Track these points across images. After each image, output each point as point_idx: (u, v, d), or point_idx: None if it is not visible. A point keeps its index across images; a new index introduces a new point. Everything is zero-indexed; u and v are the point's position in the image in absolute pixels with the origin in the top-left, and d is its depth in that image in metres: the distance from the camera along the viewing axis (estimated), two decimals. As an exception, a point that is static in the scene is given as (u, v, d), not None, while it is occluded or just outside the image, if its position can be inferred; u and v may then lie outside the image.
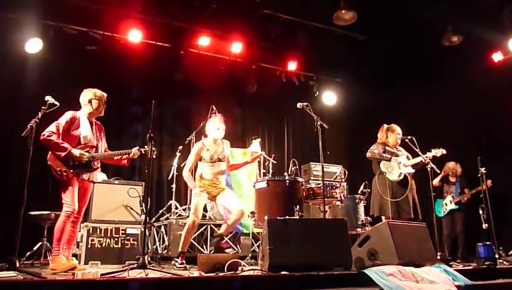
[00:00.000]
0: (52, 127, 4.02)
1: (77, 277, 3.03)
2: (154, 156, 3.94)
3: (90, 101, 4.28)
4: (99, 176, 4.41)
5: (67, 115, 4.16)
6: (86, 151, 4.13)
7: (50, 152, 4.05)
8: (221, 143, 4.82)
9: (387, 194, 5.16)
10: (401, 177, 5.23)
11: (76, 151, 4.06)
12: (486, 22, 6.45)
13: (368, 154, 5.46)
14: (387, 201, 5.12)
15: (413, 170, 5.33)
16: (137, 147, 4.31)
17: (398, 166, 5.28)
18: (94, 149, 4.23)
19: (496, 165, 6.17)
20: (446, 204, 6.80)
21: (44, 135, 3.95)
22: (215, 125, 4.77)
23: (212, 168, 4.68)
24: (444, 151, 5.25)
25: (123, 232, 5.29)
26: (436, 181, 6.58)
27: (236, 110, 8.18)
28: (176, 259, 4.54)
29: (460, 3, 6.34)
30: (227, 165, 4.89)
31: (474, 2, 6.30)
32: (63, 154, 4.00)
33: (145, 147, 4.15)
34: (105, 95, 4.41)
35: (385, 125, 5.59)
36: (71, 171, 4.03)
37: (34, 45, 6.48)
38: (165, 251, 5.70)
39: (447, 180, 6.92)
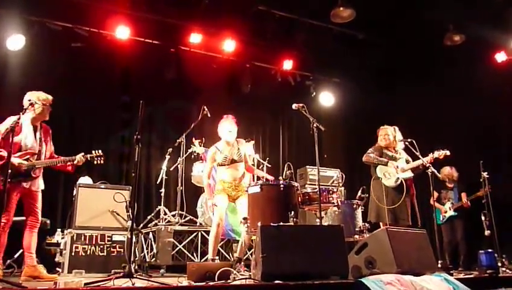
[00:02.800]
0: None
1: (59, 286, 2.98)
2: (101, 162, 4.31)
3: (32, 105, 4.10)
4: (41, 184, 4.32)
5: (8, 121, 4.02)
6: (25, 159, 4.05)
7: None
8: (236, 144, 4.87)
9: (383, 200, 5.06)
10: (398, 182, 5.11)
11: (15, 160, 3.94)
12: (490, 21, 6.44)
13: (364, 159, 5.37)
14: (384, 208, 5.02)
15: (412, 174, 5.20)
16: (83, 153, 4.34)
17: (396, 171, 5.15)
18: (36, 156, 4.15)
19: (499, 168, 6.16)
20: (445, 211, 6.74)
21: None
22: (226, 127, 4.83)
23: (230, 170, 4.71)
24: (448, 153, 5.11)
25: (109, 239, 5.17)
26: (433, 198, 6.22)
27: (229, 110, 7.92)
28: None
29: (463, 1, 6.31)
30: (246, 166, 4.90)
31: (477, 1, 6.28)
32: (1, 163, 3.89)
33: (95, 151, 4.41)
34: (50, 98, 4.30)
35: (381, 127, 5.49)
36: (9, 180, 3.81)
37: (16, 41, 6.37)
38: (153, 259, 5.56)
39: (444, 186, 6.88)
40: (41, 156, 4.18)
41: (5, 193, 3.73)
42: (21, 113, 3.91)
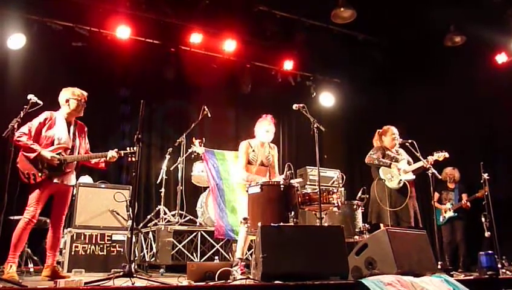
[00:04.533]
0: (24, 128, 3.93)
1: (60, 285, 2.97)
2: (134, 159, 3.95)
3: (67, 101, 4.17)
4: (73, 179, 4.27)
5: (43, 115, 4.08)
6: (57, 154, 4.03)
7: (20, 154, 3.97)
8: (269, 147, 4.76)
9: (386, 202, 5.04)
10: (401, 184, 5.09)
11: (46, 154, 3.96)
12: (490, 22, 6.41)
13: (366, 160, 5.32)
14: (386, 210, 5.00)
15: (414, 176, 5.19)
16: (116, 150, 4.23)
17: (398, 172, 5.13)
18: (69, 151, 4.13)
19: (499, 169, 6.19)
20: (445, 211, 6.73)
21: (15, 135, 3.82)
22: (263, 127, 4.71)
23: (254, 171, 4.61)
24: (447, 155, 5.12)
25: (109, 238, 5.16)
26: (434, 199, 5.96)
27: (230, 111, 8.07)
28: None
29: (464, 2, 6.26)
30: (272, 172, 4.75)
31: (478, 2, 6.23)
32: (32, 156, 3.91)
33: (129, 148, 4.21)
34: (85, 94, 4.31)
35: (378, 131, 5.46)
36: (40, 174, 3.93)
37: (16, 41, 6.31)
38: (153, 258, 5.55)
39: (445, 187, 6.86)
40: (74, 151, 4.16)
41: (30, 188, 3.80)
42: (48, 111, 4.04)
